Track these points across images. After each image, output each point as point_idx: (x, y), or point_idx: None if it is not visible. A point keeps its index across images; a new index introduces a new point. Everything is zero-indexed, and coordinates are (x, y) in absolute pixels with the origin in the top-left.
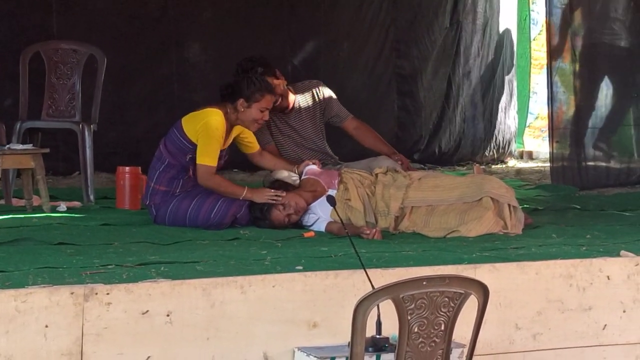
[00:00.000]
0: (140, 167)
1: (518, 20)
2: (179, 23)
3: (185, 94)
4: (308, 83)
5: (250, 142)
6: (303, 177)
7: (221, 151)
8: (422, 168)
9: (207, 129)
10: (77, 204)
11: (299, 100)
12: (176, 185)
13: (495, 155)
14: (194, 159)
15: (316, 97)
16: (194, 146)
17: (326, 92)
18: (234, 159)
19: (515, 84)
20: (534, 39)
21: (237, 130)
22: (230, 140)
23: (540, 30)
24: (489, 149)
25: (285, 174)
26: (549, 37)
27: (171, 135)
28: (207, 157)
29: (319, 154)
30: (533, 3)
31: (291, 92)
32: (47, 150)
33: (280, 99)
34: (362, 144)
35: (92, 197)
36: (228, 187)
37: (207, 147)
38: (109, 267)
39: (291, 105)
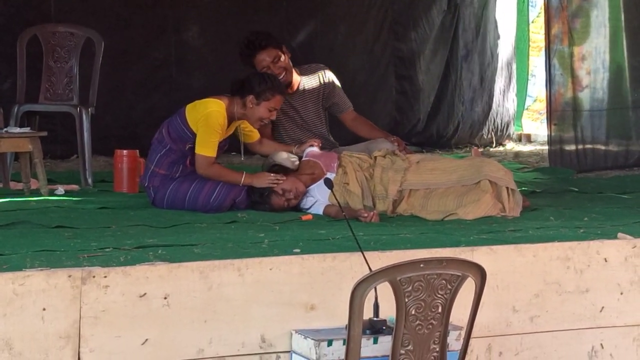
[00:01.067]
0: (138, 151)
1: (517, 3)
2: (176, 6)
3: (183, 77)
4: (315, 66)
5: (251, 131)
6: (303, 159)
7: (221, 141)
8: (419, 151)
9: (207, 119)
10: (75, 187)
11: (304, 82)
12: (176, 169)
13: (494, 138)
14: (193, 148)
15: (321, 81)
16: (194, 136)
17: (331, 77)
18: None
19: (514, 66)
20: (532, 22)
21: (235, 124)
22: (231, 131)
23: (539, 13)
24: (487, 131)
25: (285, 156)
26: (548, 19)
27: (174, 121)
28: (206, 148)
29: (319, 138)
30: None
31: (297, 72)
32: (44, 134)
33: (284, 73)
34: (358, 134)
35: (90, 181)
36: (227, 175)
37: (206, 138)
38: (107, 250)
39: (296, 86)
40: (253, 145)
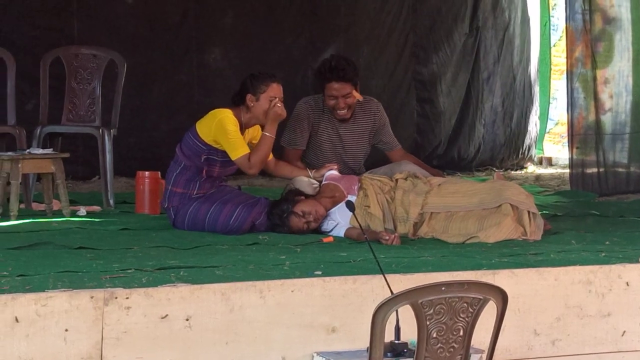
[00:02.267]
0: (159, 172)
1: (540, 26)
2: (199, 28)
3: (206, 99)
4: (369, 101)
5: None
6: (323, 183)
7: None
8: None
9: (221, 125)
10: (96, 208)
11: (357, 115)
12: (193, 186)
13: (515, 161)
14: (208, 159)
15: (373, 118)
16: (208, 146)
17: (383, 116)
18: None
19: (536, 89)
20: (554, 45)
21: (248, 135)
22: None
23: (561, 36)
24: (508, 154)
25: (306, 181)
26: (569, 42)
27: (186, 139)
28: (237, 149)
29: (352, 170)
30: (553, 9)
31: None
32: (67, 155)
33: (346, 109)
34: None
35: (111, 202)
36: (263, 150)
37: (232, 140)
38: (129, 271)
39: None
40: (267, 165)
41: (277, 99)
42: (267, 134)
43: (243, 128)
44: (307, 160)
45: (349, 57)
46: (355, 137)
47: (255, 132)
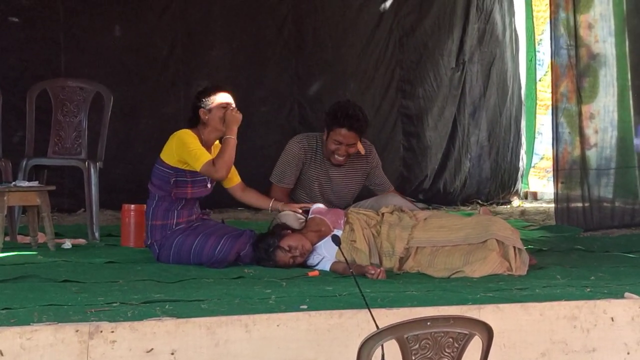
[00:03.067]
0: (144, 206)
1: (526, 61)
2: (186, 61)
3: None
4: (362, 142)
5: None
6: (309, 216)
7: (207, 177)
8: (426, 208)
9: (181, 140)
10: (82, 241)
11: (350, 162)
12: (171, 216)
13: (502, 195)
14: (176, 181)
15: (365, 161)
16: (174, 169)
17: (375, 159)
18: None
19: (523, 123)
20: (539, 80)
21: (214, 152)
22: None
23: (546, 71)
24: (495, 188)
25: (292, 216)
26: (554, 77)
27: (154, 171)
28: (200, 158)
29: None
30: (539, 44)
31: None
32: (53, 188)
33: (344, 157)
34: None
35: (97, 235)
36: (228, 153)
37: (193, 151)
38: (114, 304)
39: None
40: (234, 191)
41: (230, 105)
42: (228, 136)
43: (205, 146)
44: (294, 197)
45: (362, 108)
46: (345, 180)
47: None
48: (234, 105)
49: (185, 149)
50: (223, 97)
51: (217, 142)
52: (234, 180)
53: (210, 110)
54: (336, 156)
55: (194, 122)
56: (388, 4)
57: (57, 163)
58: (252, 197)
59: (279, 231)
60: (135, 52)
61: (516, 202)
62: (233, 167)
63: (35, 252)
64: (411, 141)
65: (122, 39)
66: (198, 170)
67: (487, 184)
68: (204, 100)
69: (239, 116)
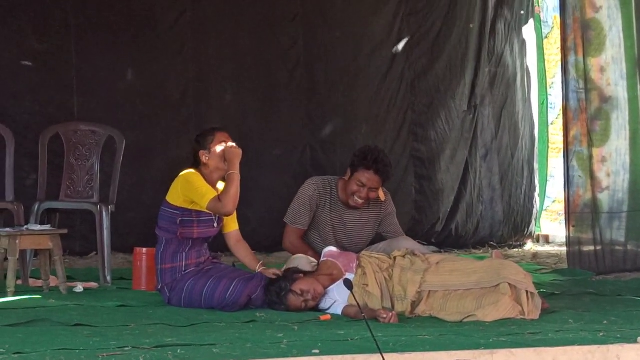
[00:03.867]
0: None
1: (538, 104)
2: (198, 104)
3: None
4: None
5: (228, 219)
6: (322, 259)
7: (213, 217)
8: (438, 251)
9: (186, 180)
10: (94, 284)
11: (364, 208)
12: (180, 258)
13: (515, 238)
14: (182, 221)
15: (380, 207)
16: (180, 209)
17: (390, 206)
18: (250, 240)
19: (536, 166)
20: (551, 123)
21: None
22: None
23: (558, 115)
24: (508, 231)
25: (304, 259)
26: (566, 121)
27: (160, 214)
28: (205, 196)
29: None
30: (550, 87)
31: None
32: (65, 231)
33: (364, 201)
34: None
35: (109, 278)
36: (232, 190)
37: (198, 190)
38: (126, 349)
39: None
40: (229, 238)
41: (228, 141)
42: (232, 172)
43: (211, 185)
44: (307, 240)
45: (389, 157)
46: (359, 225)
47: None
48: (232, 143)
49: (191, 188)
50: (220, 137)
51: (221, 182)
52: (231, 225)
53: (209, 151)
54: (356, 198)
55: (195, 166)
56: (401, 46)
57: (69, 207)
58: (243, 253)
59: (291, 275)
60: (148, 96)
61: (528, 245)
62: (234, 213)
63: (47, 295)
64: (423, 184)
65: (134, 83)
66: (204, 207)
67: (500, 227)
68: (202, 142)
69: (239, 151)
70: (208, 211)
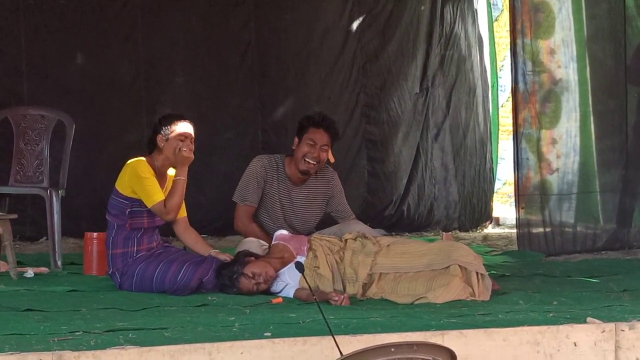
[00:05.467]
0: None
1: (490, 87)
2: (150, 88)
3: None
4: (325, 168)
5: None
6: (273, 242)
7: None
8: (388, 234)
9: (135, 172)
10: (44, 269)
11: (312, 182)
12: (132, 244)
13: (473, 219)
14: (132, 211)
15: (327, 185)
16: (129, 199)
17: (338, 185)
18: (203, 224)
19: (489, 146)
20: (502, 106)
21: (169, 183)
22: (166, 192)
23: (508, 97)
24: (465, 212)
25: (256, 244)
26: (516, 103)
27: (110, 201)
28: (152, 197)
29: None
30: (500, 70)
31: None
32: (14, 216)
33: (315, 164)
34: None
35: (59, 263)
36: (178, 195)
37: (146, 189)
38: (77, 333)
39: (303, 182)
40: (177, 224)
41: (184, 143)
42: (179, 177)
43: (158, 173)
44: (256, 220)
45: None
46: (307, 202)
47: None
48: (193, 136)
49: (138, 183)
50: (183, 127)
51: (172, 168)
52: (179, 212)
53: (167, 139)
54: (307, 159)
55: (151, 147)
56: (355, 25)
57: (19, 191)
58: (192, 240)
59: (242, 258)
60: (98, 80)
61: (490, 228)
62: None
63: None
64: (375, 166)
65: (84, 67)
66: (149, 207)
67: (456, 208)
68: (164, 127)
69: (191, 157)
70: (150, 206)
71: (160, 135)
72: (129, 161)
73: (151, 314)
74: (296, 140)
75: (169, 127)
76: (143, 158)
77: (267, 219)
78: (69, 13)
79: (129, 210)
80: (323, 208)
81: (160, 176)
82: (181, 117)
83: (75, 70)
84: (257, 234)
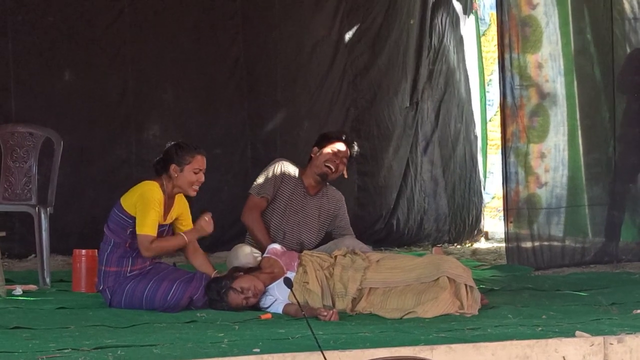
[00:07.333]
0: (96, 250)
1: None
2: (138, 104)
3: (144, 175)
4: (335, 190)
5: (185, 227)
6: (264, 255)
7: (162, 226)
8: (379, 249)
9: (143, 199)
10: (33, 287)
11: (326, 198)
12: (126, 263)
13: (463, 233)
14: (133, 232)
15: (335, 205)
16: (133, 219)
17: (344, 207)
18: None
19: (480, 159)
20: (489, 120)
21: (177, 210)
22: (171, 218)
23: (496, 111)
24: (455, 226)
25: (248, 251)
26: (504, 118)
27: (112, 214)
28: (146, 227)
29: (300, 246)
30: (488, 84)
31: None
32: (3, 234)
33: (333, 172)
34: None
35: (48, 280)
36: (170, 245)
37: (145, 217)
38: (65, 351)
39: (319, 192)
40: (186, 247)
41: (198, 176)
42: (185, 236)
43: (167, 196)
44: (266, 220)
45: None
46: (316, 213)
47: (181, 208)
48: (203, 171)
49: (142, 208)
50: (198, 162)
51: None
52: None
53: (182, 170)
54: (328, 164)
55: (159, 170)
56: (349, 35)
57: (7, 209)
58: (199, 261)
59: (231, 273)
60: (86, 97)
61: (482, 242)
62: (191, 223)
63: None
64: (366, 181)
65: (72, 84)
66: (137, 232)
67: (446, 221)
68: (180, 156)
69: (209, 230)
70: (138, 233)
71: (174, 165)
72: (144, 182)
73: (140, 331)
74: (316, 149)
75: (184, 157)
76: (157, 184)
77: (274, 222)
78: (57, 30)
79: (130, 230)
80: (327, 225)
81: (169, 198)
82: (198, 150)
83: (63, 87)
84: (262, 231)
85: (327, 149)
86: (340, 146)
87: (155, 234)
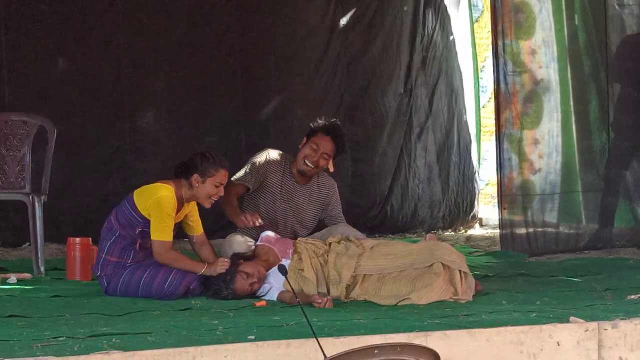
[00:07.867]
0: (91, 238)
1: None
2: (131, 92)
3: (138, 164)
4: (328, 178)
5: (194, 222)
6: (258, 244)
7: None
8: (373, 236)
9: (158, 205)
10: (27, 275)
11: (316, 187)
12: (128, 256)
13: (459, 219)
14: (143, 232)
15: (327, 193)
16: (144, 220)
17: (336, 194)
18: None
19: (474, 146)
20: (483, 107)
21: (186, 209)
22: (182, 217)
23: (490, 98)
24: (449, 212)
25: (241, 239)
26: (498, 104)
27: (123, 207)
28: (162, 233)
29: (294, 235)
30: (482, 71)
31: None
32: None
33: (314, 168)
34: None
35: (42, 269)
36: (185, 263)
37: (161, 224)
38: (60, 339)
39: (309, 182)
40: (194, 241)
41: (218, 190)
42: (202, 268)
43: (179, 201)
44: (257, 210)
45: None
46: (306, 203)
47: (190, 207)
48: (223, 185)
49: (157, 215)
50: (221, 176)
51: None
52: (197, 229)
53: (204, 182)
54: (307, 162)
55: (180, 174)
56: (344, 21)
57: (1, 197)
58: (205, 255)
59: (235, 261)
60: (80, 85)
61: (477, 228)
62: (199, 218)
63: None
64: (360, 168)
65: (66, 72)
66: (152, 238)
67: (441, 208)
68: (205, 167)
69: (223, 269)
70: (154, 239)
71: (197, 176)
72: (158, 185)
73: (135, 319)
74: (304, 140)
75: (209, 170)
76: (172, 189)
77: (264, 211)
78: (50, 18)
79: (140, 230)
80: (319, 213)
81: (180, 204)
82: (223, 164)
83: (56, 75)
84: (230, 205)
85: (308, 146)
86: (322, 142)
87: (171, 239)
